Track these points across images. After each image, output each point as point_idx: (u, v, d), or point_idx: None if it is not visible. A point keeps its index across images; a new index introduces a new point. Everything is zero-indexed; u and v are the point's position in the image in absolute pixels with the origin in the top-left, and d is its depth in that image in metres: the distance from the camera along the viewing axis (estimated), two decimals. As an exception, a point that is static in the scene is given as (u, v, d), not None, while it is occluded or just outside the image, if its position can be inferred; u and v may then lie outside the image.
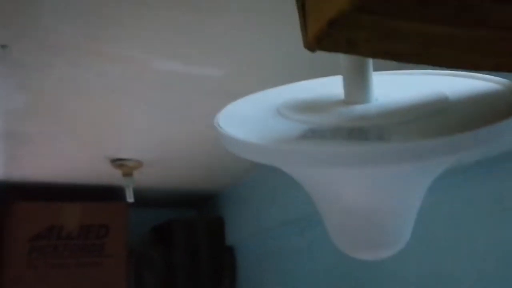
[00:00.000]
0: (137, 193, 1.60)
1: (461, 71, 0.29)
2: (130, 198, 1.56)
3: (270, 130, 0.26)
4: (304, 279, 1.42)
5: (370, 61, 0.28)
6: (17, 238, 1.61)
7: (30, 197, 1.68)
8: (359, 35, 0.23)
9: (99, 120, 1.20)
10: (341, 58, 0.28)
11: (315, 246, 1.36)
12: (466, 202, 0.86)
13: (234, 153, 0.25)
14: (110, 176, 1.58)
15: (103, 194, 1.78)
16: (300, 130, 0.25)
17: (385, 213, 0.27)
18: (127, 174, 1.54)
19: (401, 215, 0.28)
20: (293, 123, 0.26)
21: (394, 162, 0.20)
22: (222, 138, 0.26)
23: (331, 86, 0.33)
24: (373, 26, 0.23)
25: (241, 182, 1.83)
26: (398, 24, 0.24)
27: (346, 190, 0.25)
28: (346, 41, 0.23)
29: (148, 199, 1.95)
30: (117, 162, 1.50)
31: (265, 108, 0.30)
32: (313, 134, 0.24)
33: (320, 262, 1.33)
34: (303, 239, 1.42)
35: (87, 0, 0.72)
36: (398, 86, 0.32)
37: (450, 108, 0.26)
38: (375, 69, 0.30)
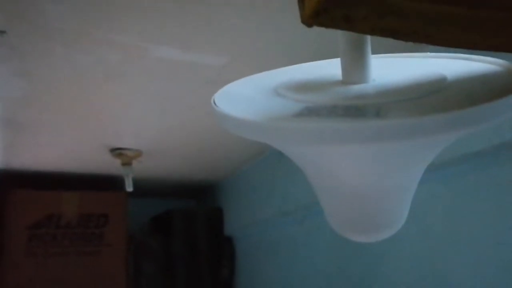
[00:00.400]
0: (136, 182, 1.60)
1: (459, 51, 0.29)
2: (129, 187, 1.56)
3: (266, 108, 0.26)
4: (303, 269, 1.42)
5: (368, 41, 0.27)
6: (16, 226, 1.61)
7: (29, 186, 1.68)
8: (357, 11, 0.23)
9: (98, 108, 1.20)
10: (339, 37, 0.27)
11: (314, 236, 1.36)
12: (466, 194, 0.86)
13: (229, 131, 0.25)
14: (110, 165, 1.58)
15: (102, 183, 1.78)
16: (296, 108, 0.24)
17: (380, 193, 0.26)
18: (126, 163, 1.54)
19: (397, 196, 0.28)
20: (290, 101, 0.26)
21: (392, 138, 0.20)
22: (217, 115, 0.26)
23: (330, 68, 0.32)
24: (372, 2, 0.23)
25: (240, 172, 1.83)
26: (397, 1, 0.24)
27: (341, 169, 0.25)
28: (343, 18, 0.23)
29: (148, 189, 1.96)
30: (116, 151, 1.50)
31: (262, 88, 0.30)
32: (309, 112, 0.23)
33: (319, 252, 1.34)
34: (302, 229, 1.43)
35: (85, -15, 0.72)
36: (396, 68, 0.32)
37: (448, 87, 0.26)
38: (373, 53, 0.29)
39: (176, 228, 1.86)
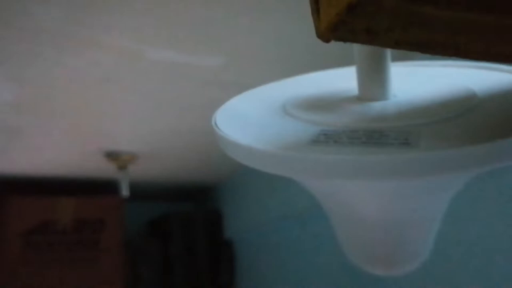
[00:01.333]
0: (132, 186, 1.57)
1: (492, 63, 0.26)
2: (125, 192, 1.53)
3: (276, 133, 0.22)
4: (305, 273, 1.40)
5: (388, 53, 0.24)
6: (11, 234, 1.58)
7: (23, 192, 1.65)
8: (381, 22, 0.20)
9: (91, 111, 1.17)
10: (355, 48, 0.24)
11: (316, 240, 1.33)
12: (472, 200, 0.83)
13: (236, 160, 0.22)
14: (105, 169, 1.54)
15: (98, 188, 1.75)
16: (311, 133, 0.21)
17: (403, 227, 0.23)
18: (122, 167, 1.51)
19: (421, 230, 0.25)
20: (302, 123, 0.23)
21: (427, 173, 0.17)
22: (221, 141, 0.23)
23: (341, 80, 0.29)
24: (397, 12, 0.20)
25: (239, 174, 1.80)
26: (424, 10, 0.21)
27: (362, 202, 0.22)
28: (365, 30, 0.20)
29: (144, 192, 1.92)
30: (111, 155, 1.47)
31: (269, 105, 0.26)
32: (326, 139, 0.20)
33: (321, 256, 1.31)
34: (303, 232, 1.40)
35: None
36: (418, 80, 0.28)
37: (479, 106, 0.23)
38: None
39: (174, 232, 1.83)
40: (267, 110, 0.26)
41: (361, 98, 0.25)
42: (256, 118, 0.25)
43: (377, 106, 0.24)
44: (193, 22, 0.80)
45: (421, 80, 0.28)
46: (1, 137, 1.28)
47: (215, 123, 0.24)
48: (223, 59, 0.94)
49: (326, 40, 0.20)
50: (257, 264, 1.69)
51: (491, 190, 0.80)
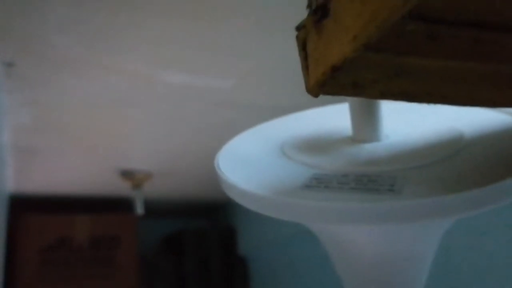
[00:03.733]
0: (147, 204, 1.59)
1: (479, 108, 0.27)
2: (140, 210, 1.55)
3: (273, 175, 0.24)
4: (317, 290, 1.39)
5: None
6: (28, 251, 1.61)
7: (40, 210, 1.68)
8: (366, 76, 0.21)
9: (107, 132, 1.20)
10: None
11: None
12: (485, 216, 0.83)
13: (235, 200, 0.23)
14: (120, 187, 1.57)
15: (113, 206, 1.77)
16: (304, 177, 0.23)
17: (396, 264, 0.25)
18: (137, 186, 1.53)
19: (415, 265, 0.26)
20: (297, 166, 0.24)
21: (408, 219, 0.18)
22: (222, 183, 0.24)
23: (337, 116, 0.31)
24: (381, 65, 0.22)
25: (252, 191, 1.81)
26: (407, 61, 0.22)
27: (354, 242, 0.23)
28: (351, 84, 0.21)
29: (159, 210, 1.95)
30: (126, 174, 1.49)
31: (268, 145, 0.28)
32: (317, 183, 0.22)
33: (334, 273, 1.31)
34: (317, 249, 1.40)
35: (90, 14, 0.71)
36: (408, 119, 0.30)
37: (466, 149, 0.24)
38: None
39: (188, 249, 1.84)
40: (265, 150, 0.27)
41: (354, 139, 0.26)
42: (256, 159, 0.27)
43: (368, 148, 0.25)
44: (204, 44, 0.82)
45: (412, 120, 0.30)
46: (20, 157, 1.32)
47: (218, 166, 0.26)
48: (235, 81, 0.95)
49: (315, 95, 0.21)
50: (270, 281, 1.69)
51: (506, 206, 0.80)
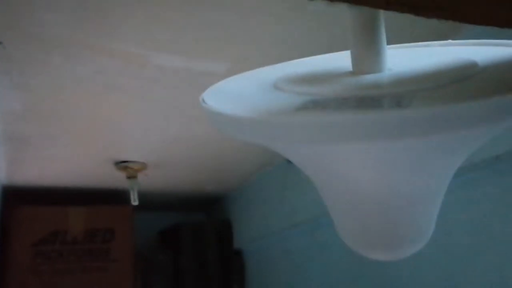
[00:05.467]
0: (142, 196, 1.56)
1: (489, 26, 0.25)
2: (134, 201, 1.53)
3: (264, 104, 0.22)
4: (315, 282, 1.37)
5: (382, 22, 0.23)
6: (21, 244, 1.58)
7: (33, 202, 1.65)
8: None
9: (100, 119, 1.17)
10: (348, 19, 0.23)
11: (326, 248, 1.31)
12: (486, 199, 0.81)
13: (223, 132, 0.21)
14: (114, 179, 1.54)
15: (107, 198, 1.75)
16: (300, 101, 0.20)
17: (401, 200, 0.22)
18: (132, 177, 1.50)
19: (422, 204, 0.23)
20: (291, 95, 0.22)
21: (418, 133, 0.16)
22: (207, 114, 0.22)
23: (338, 61, 0.28)
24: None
25: (249, 183, 1.79)
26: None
27: (355, 172, 0.21)
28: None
29: (154, 203, 1.92)
30: (121, 165, 1.47)
31: (259, 83, 0.26)
32: (314, 105, 0.19)
33: (332, 265, 1.28)
34: (313, 241, 1.38)
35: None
36: (416, 57, 0.27)
37: (479, 74, 0.22)
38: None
39: (184, 242, 1.81)
40: (257, 87, 0.25)
41: (355, 72, 0.24)
42: (245, 94, 0.24)
43: (370, 77, 0.23)
44: (199, 27, 0.80)
45: (420, 56, 0.27)
46: (11, 147, 1.29)
47: (203, 100, 0.23)
48: (230, 64, 0.93)
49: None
50: (267, 274, 1.67)
51: (504, 189, 0.78)
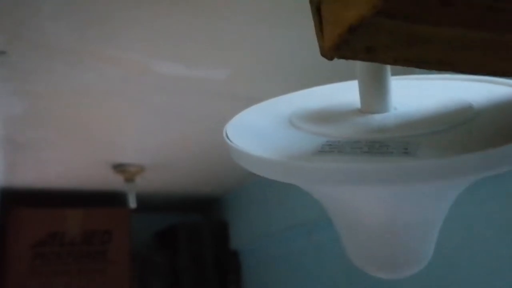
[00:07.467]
0: (140, 198, 1.58)
1: (487, 77, 0.27)
2: (132, 204, 1.54)
3: (283, 143, 0.24)
4: (312, 283, 1.40)
5: (388, 68, 0.26)
6: (20, 245, 1.60)
7: (32, 204, 1.66)
8: (380, 41, 0.21)
9: (100, 124, 1.19)
10: (357, 64, 0.26)
11: (323, 250, 1.34)
12: (480, 204, 0.84)
13: (246, 169, 0.23)
14: (112, 181, 1.56)
15: (105, 200, 1.76)
16: (316, 143, 0.23)
17: (405, 230, 0.25)
18: (129, 179, 1.52)
19: (424, 232, 0.26)
20: (308, 135, 0.24)
21: (425, 180, 0.18)
22: (232, 152, 0.24)
23: (345, 93, 0.31)
24: (395, 31, 0.22)
25: (246, 185, 1.81)
26: (420, 28, 0.23)
27: (367, 207, 0.23)
28: (365, 48, 0.21)
29: (152, 204, 1.94)
30: (118, 168, 1.48)
31: (276, 117, 0.28)
32: (330, 148, 0.22)
33: (328, 266, 1.31)
34: (310, 243, 1.41)
35: (85, 2, 0.70)
36: (416, 93, 0.30)
37: (476, 117, 0.24)
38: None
39: (181, 243, 1.83)
40: (274, 122, 0.27)
41: (363, 111, 0.26)
42: (264, 130, 0.27)
43: (378, 118, 0.25)
44: (199, 34, 0.81)
45: (419, 94, 0.30)
46: (10, 150, 1.30)
47: (226, 135, 0.26)
48: (230, 72, 0.95)
49: (330, 58, 0.21)
50: (263, 275, 1.70)
51: (497, 194, 0.80)
